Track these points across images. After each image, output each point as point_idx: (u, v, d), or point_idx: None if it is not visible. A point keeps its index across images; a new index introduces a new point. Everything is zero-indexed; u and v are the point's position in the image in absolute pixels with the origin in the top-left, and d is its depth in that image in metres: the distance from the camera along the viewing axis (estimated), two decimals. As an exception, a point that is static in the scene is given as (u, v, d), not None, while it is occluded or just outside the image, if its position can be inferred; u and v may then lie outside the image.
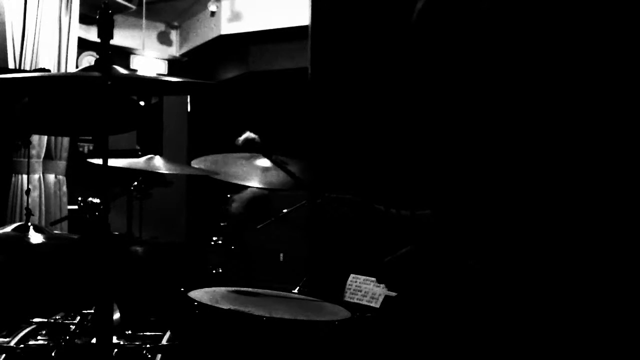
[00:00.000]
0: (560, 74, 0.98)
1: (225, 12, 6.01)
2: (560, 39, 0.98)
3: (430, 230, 1.36)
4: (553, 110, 0.99)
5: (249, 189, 2.14)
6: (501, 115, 1.03)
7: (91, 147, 5.56)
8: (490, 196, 1.07)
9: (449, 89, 1.10)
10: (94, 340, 1.90)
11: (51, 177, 4.54)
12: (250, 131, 2.15)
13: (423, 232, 1.41)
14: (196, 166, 2.29)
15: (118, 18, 5.87)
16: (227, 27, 6.03)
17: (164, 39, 6.86)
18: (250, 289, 1.97)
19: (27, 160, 4.01)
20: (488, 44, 1.02)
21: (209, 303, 1.66)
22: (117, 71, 1.42)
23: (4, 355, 1.87)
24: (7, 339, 1.93)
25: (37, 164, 4.40)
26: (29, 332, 1.99)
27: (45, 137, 4.40)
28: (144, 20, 6.15)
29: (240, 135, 2.16)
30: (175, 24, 6.87)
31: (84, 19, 4.92)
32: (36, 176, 4.40)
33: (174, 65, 6.97)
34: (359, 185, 2.26)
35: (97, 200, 2.37)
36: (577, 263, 0.98)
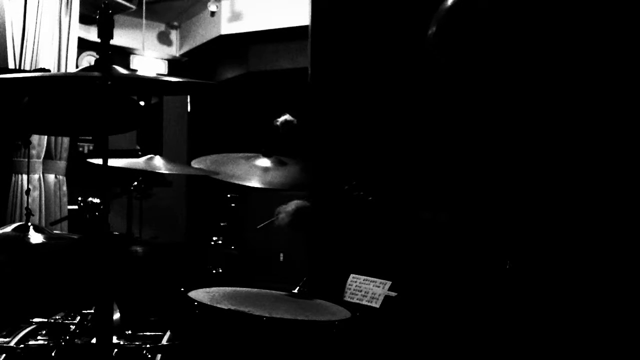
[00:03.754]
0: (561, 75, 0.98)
1: (225, 12, 6.01)
2: (560, 39, 0.98)
3: (460, 235, 1.36)
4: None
5: (293, 201, 2.18)
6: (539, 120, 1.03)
7: (91, 147, 5.56)
8: (529, 198, 1.07)
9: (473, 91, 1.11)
10: (94, 340, 1.90)
11: (51, 177, 4.53)
12: (289, 114, 2.18)
13: (452, 237, 1.41)
14: (196, 166, 2.30)
15: (118, 18, 5.87)
16: (227, 27, 6.03)
17: (164, 39, 6.85)
18: (250, 289, 1.97)
19: (27, 160, 4.01)
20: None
21: (209, 303, 1.66)
22: (117, 71, 1.42)
23: (4, 355, 1.87)
24: (7, 339, 1.93)
25: (37, 164, 4.40)
26: (29, 332, 1.99)
27: (45, 137, 4.39)
28: (144, 20, 6.15)
29: (278, 119, 2.19)
30: (175, 24, 6.86)
31: (84, 19, 4.92)
32: (36, 176, 4.39)
33: (174, 65, 6.97)
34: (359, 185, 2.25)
35: (97, 200, 2.36)
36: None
